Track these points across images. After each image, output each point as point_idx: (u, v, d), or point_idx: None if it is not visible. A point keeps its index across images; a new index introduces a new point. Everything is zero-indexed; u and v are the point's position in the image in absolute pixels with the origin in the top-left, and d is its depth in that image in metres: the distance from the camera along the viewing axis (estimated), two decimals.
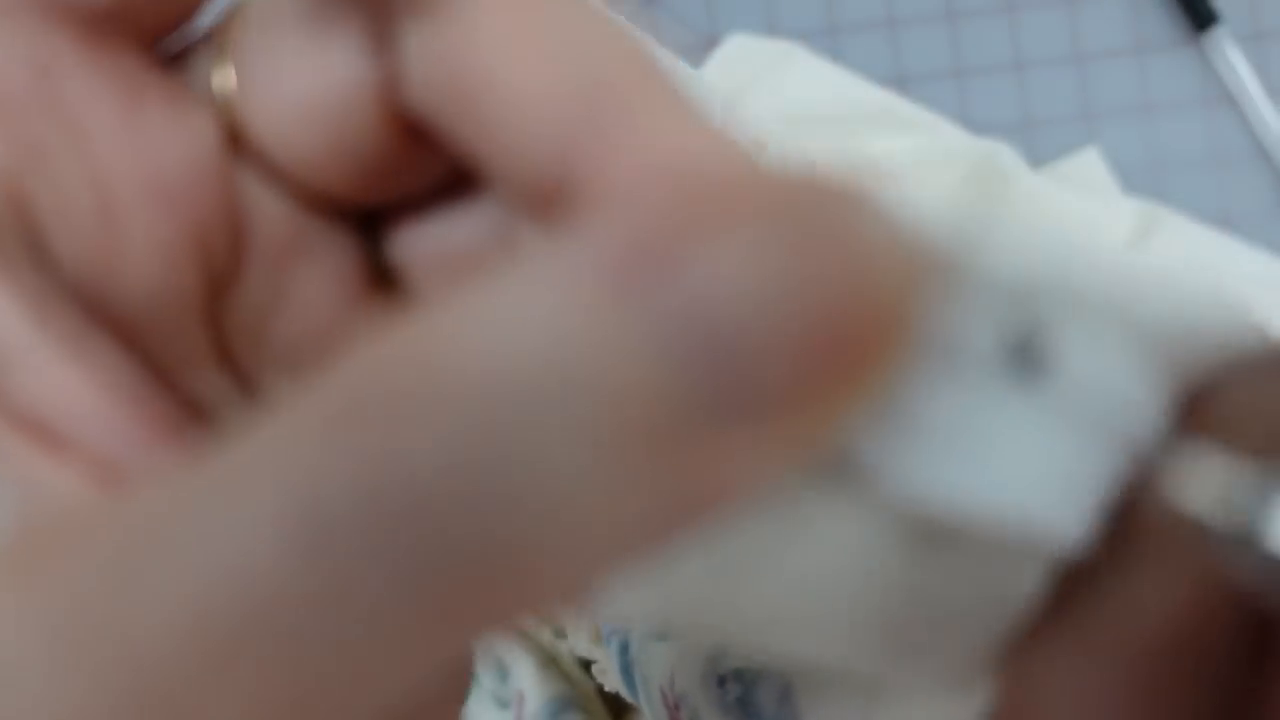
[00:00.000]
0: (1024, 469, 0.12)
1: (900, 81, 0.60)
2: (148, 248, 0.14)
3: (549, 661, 0.41)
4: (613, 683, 0.36)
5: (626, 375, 0.10)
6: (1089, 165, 0.55)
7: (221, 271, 0.15)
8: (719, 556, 0.13)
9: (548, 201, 0.13)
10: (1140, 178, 0.57)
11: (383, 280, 0.16)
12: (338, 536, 0.10)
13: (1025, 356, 0.12)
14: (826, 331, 0.10)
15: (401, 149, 0.15)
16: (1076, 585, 0.13)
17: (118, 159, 0.14)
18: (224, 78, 0.15)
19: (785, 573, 0.13)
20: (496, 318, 0.10)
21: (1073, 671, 0.12)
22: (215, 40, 0.15)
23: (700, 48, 0.59)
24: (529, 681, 0.40)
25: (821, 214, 0.10)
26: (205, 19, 0.15)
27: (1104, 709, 0.12)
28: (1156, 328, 0.12)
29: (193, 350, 0.15)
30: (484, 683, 0.41)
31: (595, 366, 0.10)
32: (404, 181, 0.15)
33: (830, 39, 0.61)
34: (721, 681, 0.25)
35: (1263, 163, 0.60)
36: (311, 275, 0.16)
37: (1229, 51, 0.61)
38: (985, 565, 0.13)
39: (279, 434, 0.10)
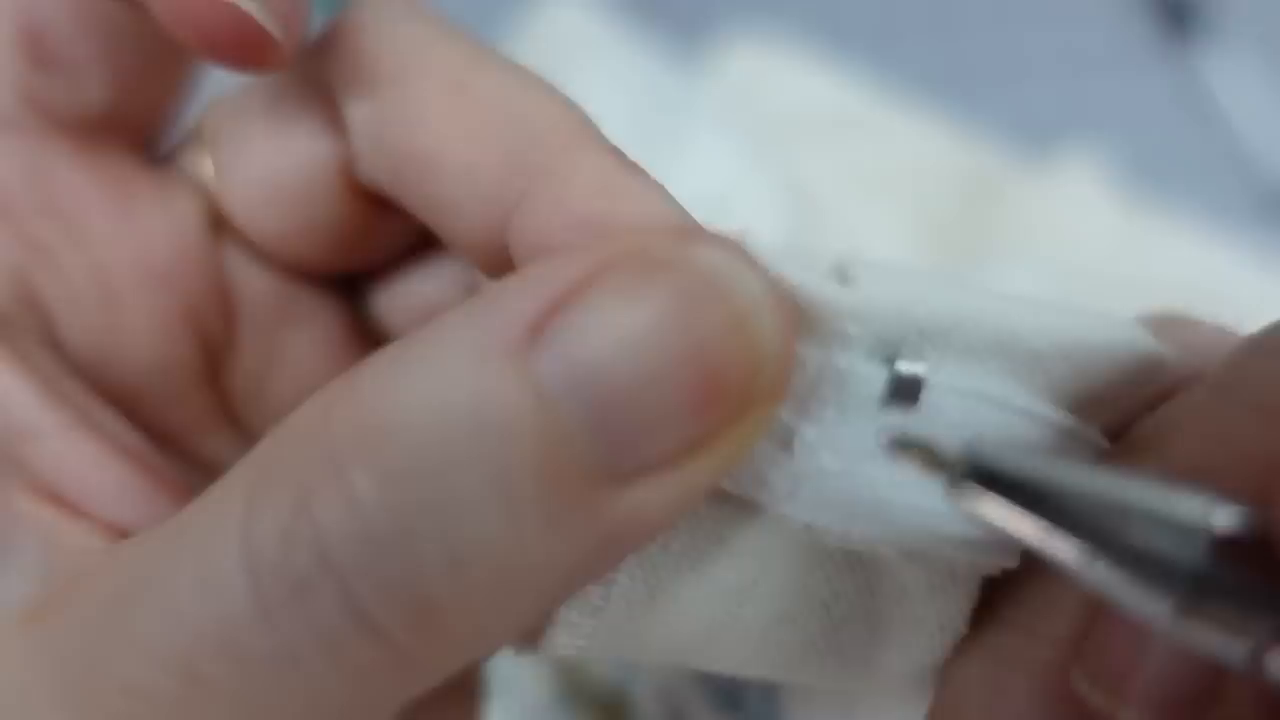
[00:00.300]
0: (901, 493, 0.13)
1: (899, 84, 0.61)
2: (146, 326, 0.15)
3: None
4: (604, 673, 0.36)
5: (530, 433, 0.10)
6: (1080, 171, 0.56)
7: (216, 342, 0.16)
8: (645, 588, 0.13)
9: (494, 262, 0.14)
10: (1130, 184, 0.58)
11: (371, 333, 0.17)
12: (278, 589, 0.11)
13: (901, 388, 0.12)
14: (703, 383, 0.11)
15: (365, 219, 0.16)
16: (1001, 598, 0.14)
17: (114, 249, 0.15)
18: (204, 167, 0.16)
19: (713, 598, 0.14)
20: (410, 384, 0.11)
21: (994, 682, 0.13)
22: (195, 134, 0.16)
23: (700, 48, 0.60)
24: (528, 677, 0.41)
25: (700, 275, 0.11)
26: (188, 117, 0.17)
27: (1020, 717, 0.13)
28: (1037, 351, 0.13)
29: (198, 415, 0.16)
30: None
31: (502, 426, 0.10)
32: (373, 246, 0.16)
33: (830, 40, 0.61)
34: (708, 675, 0.25)
35: (1249, 170, 0.61)
36: (301, 337, 0.17)
37: (1217, 58, 0.62)
38: (902, 581, 0.14)
39: (232, 498, 0.11)
